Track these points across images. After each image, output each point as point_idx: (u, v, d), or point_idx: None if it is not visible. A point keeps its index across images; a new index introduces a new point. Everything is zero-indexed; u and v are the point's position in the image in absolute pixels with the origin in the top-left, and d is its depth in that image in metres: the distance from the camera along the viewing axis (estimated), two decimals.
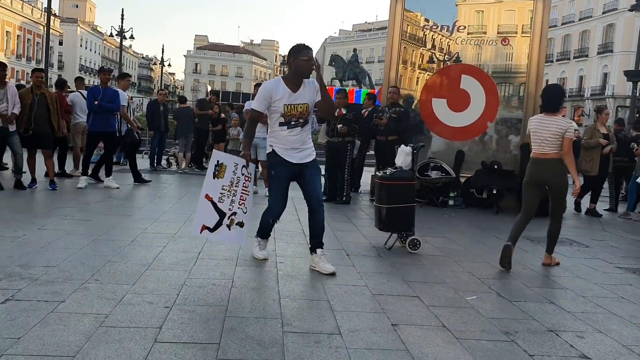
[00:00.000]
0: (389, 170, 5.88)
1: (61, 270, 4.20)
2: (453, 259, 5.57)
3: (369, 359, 3.01)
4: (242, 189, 4.77)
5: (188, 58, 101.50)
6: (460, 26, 10.18)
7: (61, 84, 10.41)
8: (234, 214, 4.69)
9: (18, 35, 63.89)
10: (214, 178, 4.66)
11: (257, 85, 10.62)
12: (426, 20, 10.31)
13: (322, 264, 4.72)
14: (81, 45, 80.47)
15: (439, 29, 10.33)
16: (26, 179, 8.44)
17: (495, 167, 9.29)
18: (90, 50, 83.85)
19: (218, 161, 4.74)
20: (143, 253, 4.94)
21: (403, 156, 5.90)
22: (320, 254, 4.79)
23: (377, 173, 6.23)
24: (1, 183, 8.09)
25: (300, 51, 4.63)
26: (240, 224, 4.73)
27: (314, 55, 4.72)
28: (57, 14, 77.56)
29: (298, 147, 4.75)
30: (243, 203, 4.76)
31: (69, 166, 10.44)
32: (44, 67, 29.59)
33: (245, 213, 4.76)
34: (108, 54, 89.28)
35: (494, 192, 9.10)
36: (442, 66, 10.31)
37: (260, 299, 3.90)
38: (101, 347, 2.89)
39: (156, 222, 6.50)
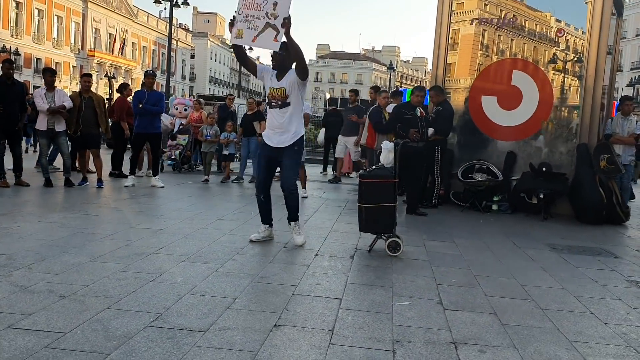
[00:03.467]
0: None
1: (8, 259, 4.44)
2: (432, 264, 5.15)
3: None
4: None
5: (310, 67, 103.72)
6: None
7: (122, 88, 11.07)
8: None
9: (153, 50, 69.13)
10: None
11: (373, 88, 11.24)
12: (557, 20, 9.70)
13: (294, 236, 5.57)
14: (211, 58, 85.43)
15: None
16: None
17: (544, 169, 8.50)
18: (220, 62, 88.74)
19: None
20: (100, 246, 5.09)
21: (385, 153, 5.59)
22: (293, 226, 5.58)
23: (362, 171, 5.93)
24: (52, 181, 8.77)
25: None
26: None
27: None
28: (189, 29, 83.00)
29: (275, 129, 5.35)
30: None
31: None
32: (166, 77, 32.03)
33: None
34: (236, 65, 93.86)
35: (541, 196, 8.33)
36: (564, 66, 9.61)
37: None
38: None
39: (145, 223, 6.68)
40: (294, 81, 5.30)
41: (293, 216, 5.59)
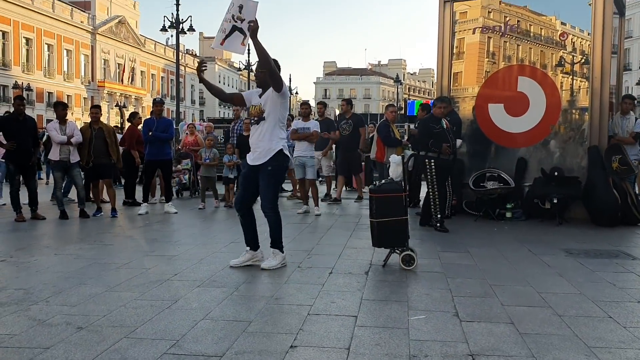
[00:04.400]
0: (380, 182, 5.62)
1: (26, 293, 4.50)
2: (447, 275, 5.13)
3: None
4: None
5: (317, 85, 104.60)
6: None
7: (132, 117, 11.21)
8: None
9: (162, 77, 69.95)
10: None
11: (389, 106, 10.90)
12: (562, 23, 9.70)
13: (266, 260, 5.37)
14: (219, 82, 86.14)
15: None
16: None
17: (556, 174, 8.45)
18: (228, 85, 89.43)
19: None
20: (115, 276, 5.14)
21: (394, 167, 5.60)
22: (272, 252, 5.37)
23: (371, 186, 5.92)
24: (67, 213, 8.87)
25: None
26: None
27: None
28: (197, 54, 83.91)
29: (252, 146, 5.31)
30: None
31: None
32: (176, 103, 32.40)
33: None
34: (244, 87, 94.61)
35: (555, 201, 8.27)
36: (572, 68, 9.58)
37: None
38: None
39: (155, 256, 6.71)
40: (269, 95, 5.22)
41: (272, 243, 5.38)
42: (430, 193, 7.64)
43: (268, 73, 5.10)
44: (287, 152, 5.34)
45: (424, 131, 7.87)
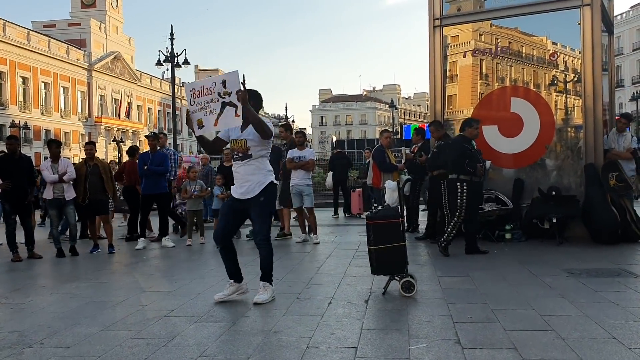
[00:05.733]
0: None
1: (20, 336, 4.41)
2: (448, 301, 5.06)
3: None
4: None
5: (314, 112, 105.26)
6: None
7: (132, 151, 11.19)
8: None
9: (159, 110, 70.40)
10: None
11: (384, 132, 10.62)
12: (553, 43, 9.78)
13: (258, 294, 5.16)
14: None
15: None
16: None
17: (553, 193, 8.42)
18: None
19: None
20: (111, 314, 5.06)
21: (390, 192, 5.57)
22: (261, 285, 5.19)
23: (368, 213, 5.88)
24: (64, 251, 8.79)
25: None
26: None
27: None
28: None
29: (239, 180, 5.17)
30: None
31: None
32: (173, 136, 32.55)
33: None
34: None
35: (554, 221, 8.23)
36: (565, 87, 9.65)
37: None
38: None
39: (155, 292, 6.63)
40: (255, 135, 5.06)
41: (263, 276, 5.23)
42: (456, 217, 7.49)
43: (261, 134, 5.02)
44: (276, 182, 5.28)
45: (459, 152, 7.60)
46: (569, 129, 9.46)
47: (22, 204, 8.66)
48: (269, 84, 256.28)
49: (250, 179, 5.09)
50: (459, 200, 7.45)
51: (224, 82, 5.03)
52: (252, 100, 5.07)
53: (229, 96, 5.00)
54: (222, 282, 6.23)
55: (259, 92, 5.35)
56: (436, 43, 9.59)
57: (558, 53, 9.36)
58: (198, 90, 5.21)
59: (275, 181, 5.27)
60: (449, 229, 7.55)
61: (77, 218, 9.27)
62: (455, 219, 7.51)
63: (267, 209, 5.24)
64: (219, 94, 5.07)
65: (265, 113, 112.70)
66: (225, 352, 3.85)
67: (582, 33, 8.69)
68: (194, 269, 7.35)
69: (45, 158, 9.82)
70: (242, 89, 4.93)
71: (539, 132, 8.95)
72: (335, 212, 14.81)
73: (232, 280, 5.34)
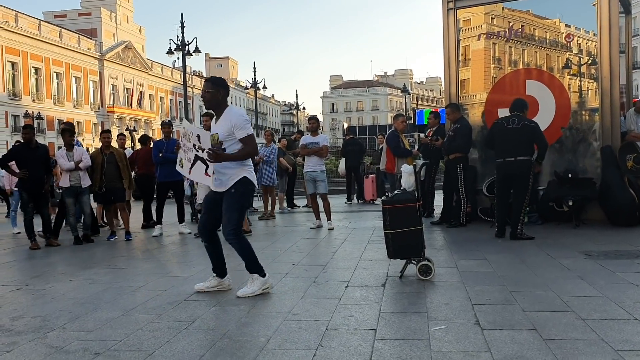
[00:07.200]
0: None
1: (43, 320, 4.48)
2: (466, 284, 5.06)
3: None
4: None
5: (324, 99, 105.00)
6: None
7: (144, 140, 11.24)
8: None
9: (170, 99, 70.53)
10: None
11: (398, 116, 10.40)
12: (567, 26, 9.67)
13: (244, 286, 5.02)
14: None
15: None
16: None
17: (570, 175, 8.35)
18: (235, 104, 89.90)
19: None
20: (131, 299, 5.11)
21: (406, 176, 5.56)
22: (250, 278, 5.01)
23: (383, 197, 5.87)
24: (81, 238, 8.88)
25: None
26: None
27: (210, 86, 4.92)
28: (203, 75, 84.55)
29: (217, 173, 4.95)
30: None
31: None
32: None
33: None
34: (252, 105, 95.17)
35: (570, 203, 8.17)
36: (579, 70, 9.50)
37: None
38: None
39: (164, 277, 6.66)
40: (230, 132, 4.83)
41: (248, 268, 5.02)
42: (526, 200, 7.43)
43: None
44: (252, 179, 5.00)
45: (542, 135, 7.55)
46: (584, 112, 9.35)
47: (38, 192, 8.73)
48: (279, 71, 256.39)
49: (224, 172, 4.88)
50: (530, 182, 7.43)
51: (198, 136, 5.07)
52: (222, 90, 4.92)
53: (202, 152, 5.03)
54: (238, 267, 6.26)
55: (224, 79, 5.18)
56: (450, 25, 9.52)
57: (573, 35, 9.22)
58: (187, 131, 5.30)
59: (250, 177, 4.97)
60: (520, 216, 7.41)
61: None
62: (526, 202, 7.45)
63: (239, 202, 4.94)
64: (194, 145, 5.11)
65: (276, 101, 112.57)
66: (245, 334, 3.88)
67: (598, 13, 8.57)
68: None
69: (59, 147, 9.90)
70: (212, 152, 4.73)
71: (554, 114, 8.87)
72: (349, 199, 14.81)
73: (214, 274, 5.20)
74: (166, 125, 9.65)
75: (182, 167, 5.34)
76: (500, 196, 7.68)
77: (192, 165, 5.19)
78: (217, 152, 4.73)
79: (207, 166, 5.03)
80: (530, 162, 7.38)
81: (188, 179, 5.32)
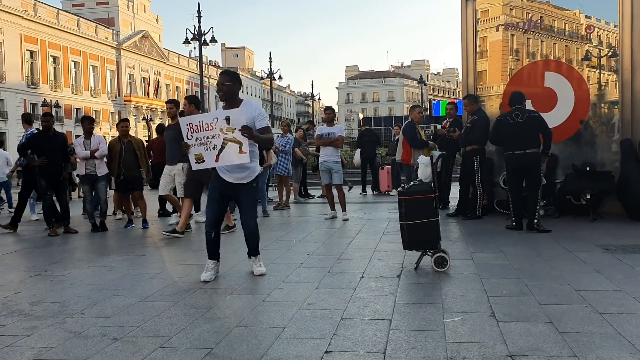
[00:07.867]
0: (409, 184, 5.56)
1: (62, 306, 4.54)
2: (482, 276, 5.05)
3: None
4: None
5: (340, 90, 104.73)
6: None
7: (160, 129, 11.29)
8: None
9: (187, 89, 70.77)
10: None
11: (414, 107, 10.34)
12: (587, 17, 9.57)
13: (255, 267, 5.40)
14: (242, 91, 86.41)
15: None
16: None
17: (588, 169, 8.27)
18: (251, 94, 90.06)
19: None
20: (148, 286, 5.16)
21: (422, 168, 5.54)
22: (254, 259, 5.44)
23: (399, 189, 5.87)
24: (98, 226, 8.98)
25: None
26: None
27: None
28: (219, 65, 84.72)
29: (241, 167, 5.15)
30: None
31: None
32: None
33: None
34: (267, 96, 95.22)
35: (588, 197, 8.10)
36: (599, 62, 9.40)
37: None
38: None
39: (181, 266, 6.70)
40: (252, 122, 5.06)
41: (254, 252, 5.46)
42: (540, 193, 7.50)
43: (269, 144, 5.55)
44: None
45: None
46: (603, 105, 9.23)
47: (57, 180, 8.83)
48: (295, 62, 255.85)
49: (249, 166, 5.18)
50: (543, 174, 7.49)
51: (227, 119, 5.04)
52: (238, 83, 5.28)
53: (233, 132, 5.03)
54: None
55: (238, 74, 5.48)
56: (468, 15, 9.45)
57: (593, 27, 9.09)
58: (196, 125, 5.24)
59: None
60: (537, 207, 7.45)
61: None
62: (539, 193, 7.48)
63: (255, 194, 5.45)
64: (220, 129, 5.09)
65: (291, 91, 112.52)
66: (261, 322, 3.90)
67: (620, 4, 8.45)
68: (226, 244, 7.40)
69: (77, 136, 10.00)
70: (245, 126, 4.97)
71: (573, 106, 8.79)
72: (364, 190, 14.79)
73: (215, 260, 5.35)
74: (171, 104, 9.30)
75: (205, 161, 5.26)
76: (512, 189, 7.64)
77: (221, 150, 5.16)
78: (250, 129, 4.95)
79: (242, 144, 5.03)
80: (539, 154, 7.33)
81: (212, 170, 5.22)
